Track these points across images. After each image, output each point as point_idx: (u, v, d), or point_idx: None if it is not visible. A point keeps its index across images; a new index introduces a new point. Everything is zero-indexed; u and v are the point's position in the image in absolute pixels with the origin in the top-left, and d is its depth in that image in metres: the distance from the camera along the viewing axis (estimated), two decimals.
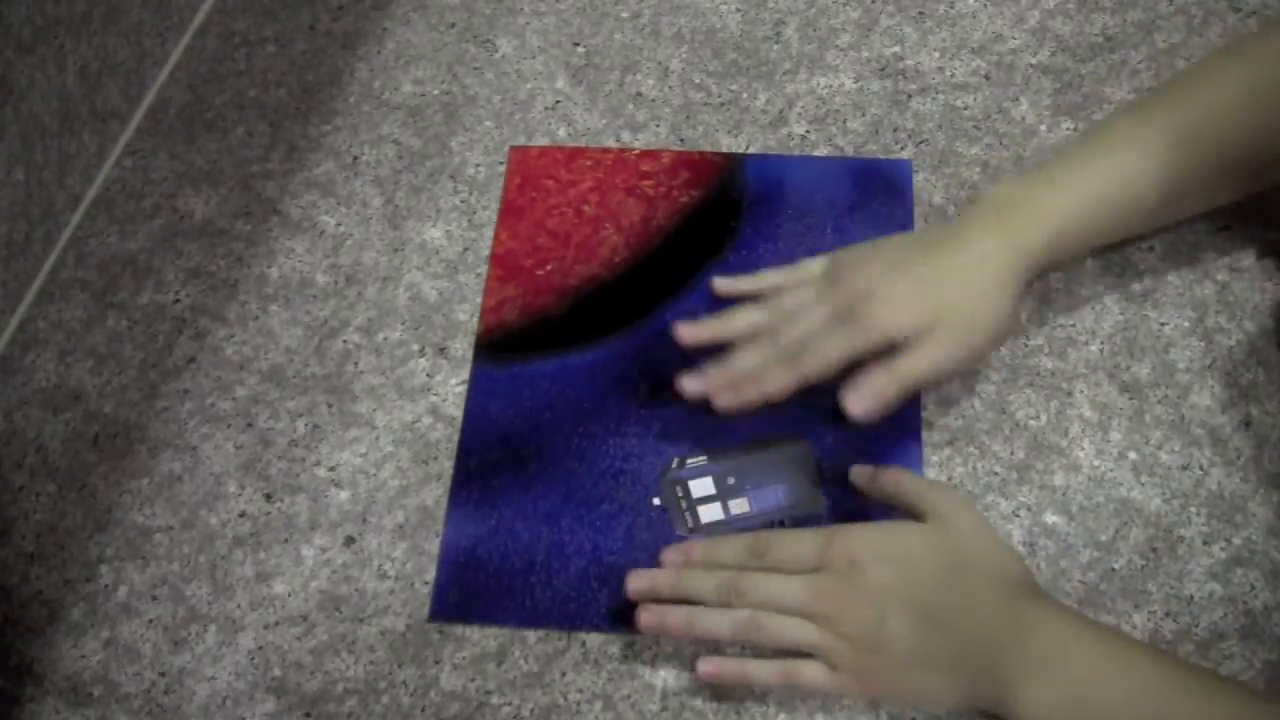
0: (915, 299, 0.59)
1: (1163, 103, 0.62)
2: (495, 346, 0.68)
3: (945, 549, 0.55)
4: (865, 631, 0.53)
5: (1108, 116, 0.64)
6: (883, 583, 0.53)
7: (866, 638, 0.53)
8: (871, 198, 0.72)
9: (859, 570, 0.54)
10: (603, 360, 0.67)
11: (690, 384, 0.61)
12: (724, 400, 0.60)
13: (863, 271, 0.61)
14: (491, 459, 0.64)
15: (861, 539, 0.55)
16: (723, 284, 0.66)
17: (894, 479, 0.59)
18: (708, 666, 0.55)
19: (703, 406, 0.65)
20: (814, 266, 0.64)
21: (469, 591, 0.60)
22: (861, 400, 0.58)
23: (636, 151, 0.75)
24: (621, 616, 0.59)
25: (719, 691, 0.57)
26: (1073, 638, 0.52)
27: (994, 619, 0.53)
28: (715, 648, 0.57)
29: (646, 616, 0.56)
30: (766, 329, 0.62)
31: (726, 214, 0.73)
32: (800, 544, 0.55)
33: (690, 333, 0.63)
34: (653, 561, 0.60)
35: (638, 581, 0.57)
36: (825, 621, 0.53)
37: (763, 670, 0.55)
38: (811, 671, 0.54)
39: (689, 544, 0.58)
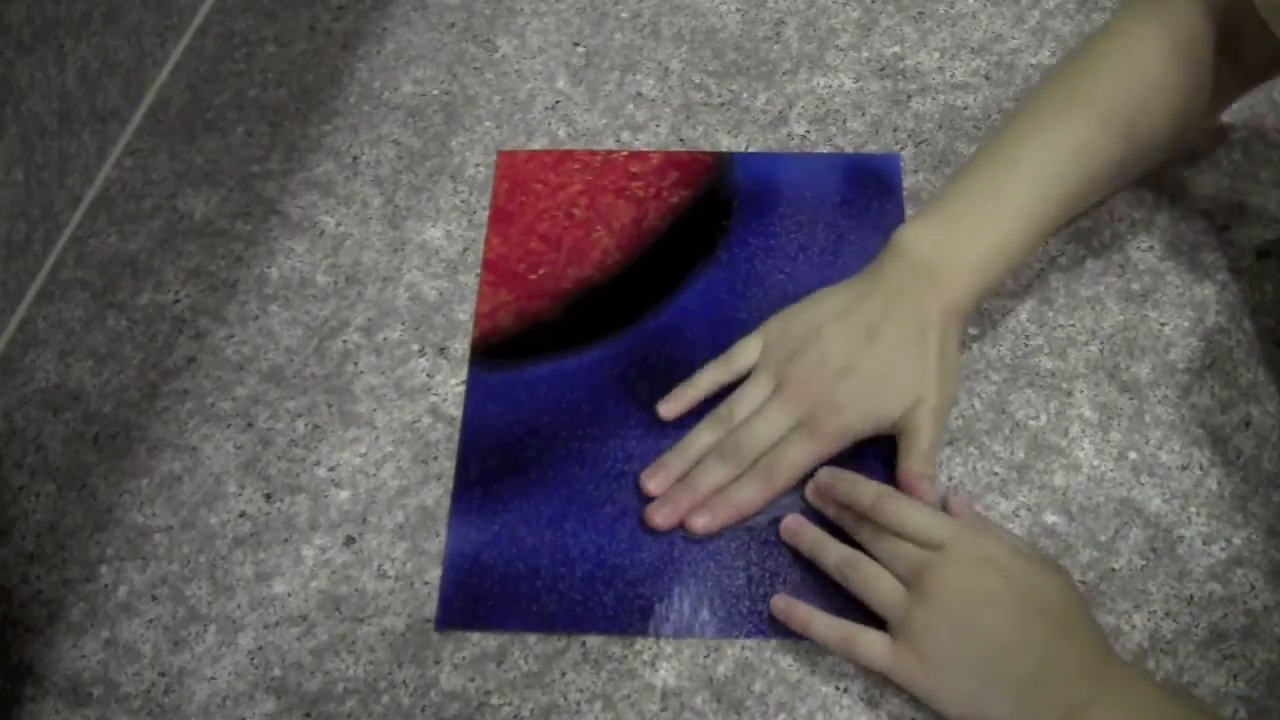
0: (881, 400, 0.60)
1: (1050, 115, 0.63)
2: (491, 352, 0.68)
3: (1060, 585, 0.54)
4: (956, 616, 0.53)
5: (996, 137, 0.64)
6: (996, 587, 0.53)
7: (954, 623, 0.53)
8: (861, 193, 0.73)
9: (980, 565, 0.54)
10: (599, 362, 0.67)
11: (659, 515, 0.61)
12: (700, 524, 0.60)
13: (811, 371, 0.61)
14: (492, 465, 0.64)
15: (993, 544, 0.55)
16: (666, 409, 0.64)
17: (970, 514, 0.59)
18: (780, 603, 0.57)
19: (702, 406, 0.65)
20: (750, 350, 0.64)
21: (475, 599, 0.60)
22: (930, 489, 0.59)
23: (625, 153, 0.75)
24: (628, 617, 0.59)
25: (721, 695, 0.57)
26: (1150, 691, 0.52)
27: (1079, 652, 0.52)
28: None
29: (790, 522, 0.60)
30: (726, 441, 0.61)
31: (717, 213, 0.73)
32: (935, 522, 0.56)
33: (657, 482, 0.62)
34: (656, 563, 0.60)
35: (824, 481, 0.60)
36: (918, 592, 0.54)
37: (825, 626, 0.56)
38: (872, 643, 0.54)
39: (840, 472, 0.60)
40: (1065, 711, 0.51)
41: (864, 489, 0.58)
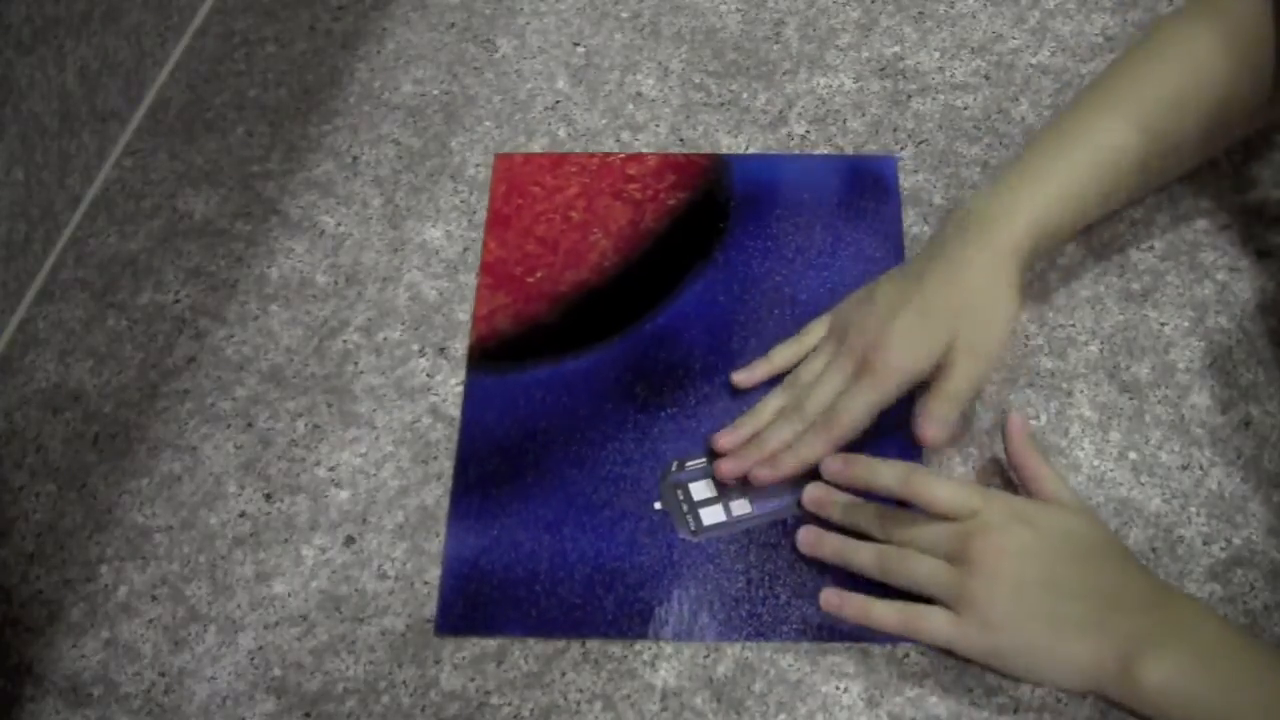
0: (923, 333, 0.60)
1: (1121, 85, 0.65)
2: (489, 356, 0.68)
3: (1096, 530, 0.57)
4: (1007, 576, 0.54)
5: (1072, 104, 0.66)
6: (1035, 537, 0.55)
7: (1006, 582, 0.54)
8: (858, 195, 0.73)
9: (1016, 523, 0.56)
10: (597, 366, 0.67)
11: (725, 465, 0.62)
12: (764, 474, 0.61)
13: (864, 322, 0.62)
14: (490, 469, 0.64)
15: (1021, 503, 0.58)
16: (741, 378, 0.66)
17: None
18: (832, 598, 0.58)
19: (701, 409, 0.65)
20: (818, 328, 0.66)
21: (474, 604, 0.60)
22: (934, 429, 0.59)
23: (621, 156, 0.75)
24: (628, 620, 0.59)
25: (721, 695, 0.57)
26: (1212, 619, 0.54)
27: (1137, 585, 0.55)
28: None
29: (807, 535, 0.60)
30: (790, 401, 0.63)
31: (714, 215, 0.73)
32: (963, 491, 0.57)
33: (728, 439, 0.63)
34: (656, 566, 0.60)
35: (815, 491, 0.61)
36: (968, 565, 0.55)
37: (884, 611, 0.56)
38: (934, 618, 0.55)
39: (852, 457, 0.60)
40: (1133, 645, 0.52)
41: (886, 470, 0.59)
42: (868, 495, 0.60)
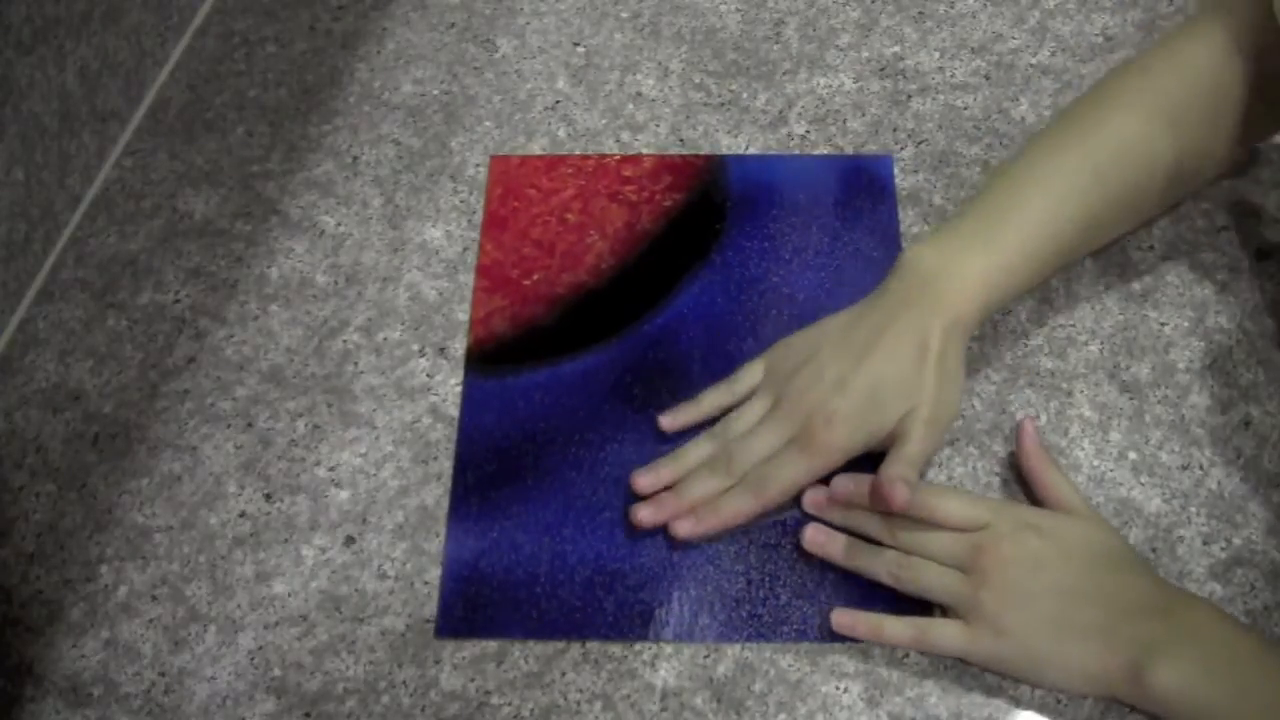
0: (873, 414, 0.59)
1: (1066, 141, 0.63)
2: (486, 358, 0.68)
3: (1106, 536, 0.57)
4: (1016, 584, 0.55)
5: (1013, 160, 0.64)
6: (1044, 550, 0.55)
7: (1016, 591, 0.54)
8: (854, 195, 0.73)
9: (1026, 532, 0.56)
10: (595, 367, 0.67)
11: (642, 512, 0.60)
12: (684, 530, 0.59)
13: (806, 387, 0.60)
14: (489, 471, 0.64)
15: (1030, 513, 0.58)
16: (667, 421, 0.64)
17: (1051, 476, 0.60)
18: (843, 618, 0.57)
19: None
20: (753, 373, 0.64)
21: (474, 607, 0.60)
22: (902, 493, 0.57)
23: (617, 157, 0.75)
24: (628, 622, 0.59)
25: (721, 695, 0.57)
26: (1221, 622, 0.54)
27: (1145, 592, 0.55)
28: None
29: (815, 535, 0.60)
30: (720, 452, 0.61)
31: (711, 216, 0.73)
32: (972, 505, 0.57)
33: (647, 480, 0.61)
34: (655, 567, 0.60)
35: (817, 494, 0.60)
36: (978, 572, 0.55)
37: (897, 627, 0.56)
38: (946, 630, 0.56)
39: (861, 478, 0.59)
40: (1144, 651, 0.52)
41: (901, 490, 0.58)
42: None
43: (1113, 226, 0.65)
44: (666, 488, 0.61)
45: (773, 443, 0.60)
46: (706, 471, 0.61)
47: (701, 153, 0.75)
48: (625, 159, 0.75)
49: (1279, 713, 0.51)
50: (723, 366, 0.66)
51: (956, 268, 0.60)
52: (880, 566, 0.58)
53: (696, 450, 0.62)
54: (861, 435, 0.59)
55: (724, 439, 0.62)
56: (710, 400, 0.64)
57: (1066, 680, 0.55)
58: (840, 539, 0.59)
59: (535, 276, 0.71)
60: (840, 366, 0.60)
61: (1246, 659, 0.52)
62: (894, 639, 0.57)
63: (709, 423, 0.64)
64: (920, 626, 0.56)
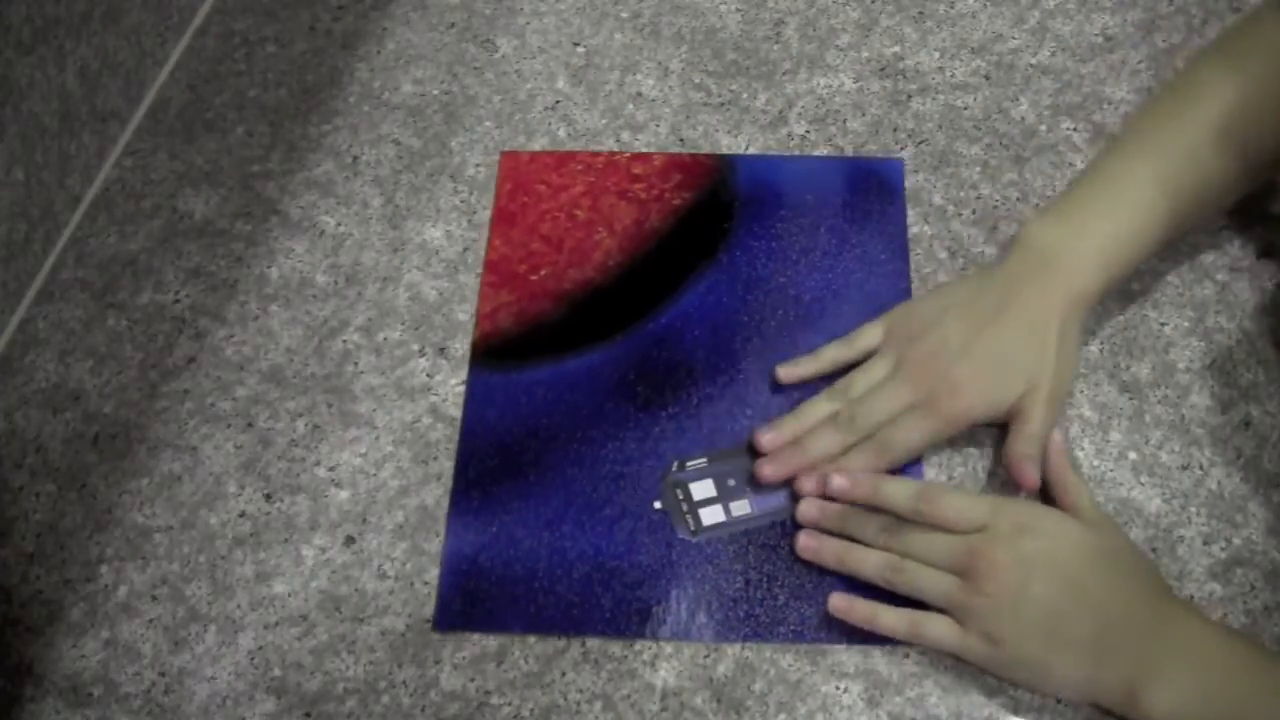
0: (994, 384, 0.60)
1: (1172, 110, 0.64)
2: (491, 353, 0.68)
3: (1103, 539, 0.57)
4: (1009, 591, 0.54)
5: (1120, 135, 0.65)
6: (1039, 551, 0.55)
7: (1009, 598, 0.54)
8: (863, 197, 0.73)
9: (1020, 536, 0.55)
10: (599, 364, 0.67)
11: (768, 468, 0.61)
12: (808, 486, 0.60)
13: (932, 351, 0.61)
14: (491, 466, 0.64)
15: (1028, 512, 0.57)
16: (785, 372, 0.65)
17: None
18: (840, 602, 0.57)
19: (702, 409, 0.65)
20: (872, 334, 0.65)
21: (472, 600, 0.60)
22: (1031, 473, 0.59)
23: (627, 155, 0.75)
24: (625, 619, 0.59)
25: (721, 695, 0.57)
26: (1215, 638, 0.53)
27: (1138, 607, 0.54)
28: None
29: (807, 541, 0.59)
30: (842, 412, 0.62)
31: (719, 215, 0.73)
32: (969, 504, 0.57)
33: (769, 437, 0.62)
34: (655, 565, 0.60)
35: (809, 509, 0.60)
36: (972, 578, 0.55)
37: (891, 617, 0.56)
38: (939, 626, 0.55)
39: (859, 476, 0.59)
40: (1134, 668, 0.52)
41: (895, 489, 0.58)
42: None
43: (1224, 193, 0.65)
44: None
45: (896, 405, 0.61)
46: (830, 427, 0.61)
47: (703, 152, 0.75)
48: (635, 156, 0.75)
49: None
50: (727, 366, 0.66)
51: (1075, 244, 0.62)
52: (874, 569, 0.57)
53: (817, 408, 0.63)
54: (985, 404, 0.60)
55: (845, 396, 0.62)
56: (830, 354, 0.65)
57: (1058, 689, 0.55)
58: (833, 544, 0.59)
59: (542, 272, 0.71)
60: (965, 335, 0.61)
61: (1243, 675, 0.52)
62: (888, 628, 0.56)
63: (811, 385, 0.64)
64: (915, 619, 0.56)
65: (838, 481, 0.59)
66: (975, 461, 0.63)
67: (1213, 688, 0.51)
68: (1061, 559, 0.55)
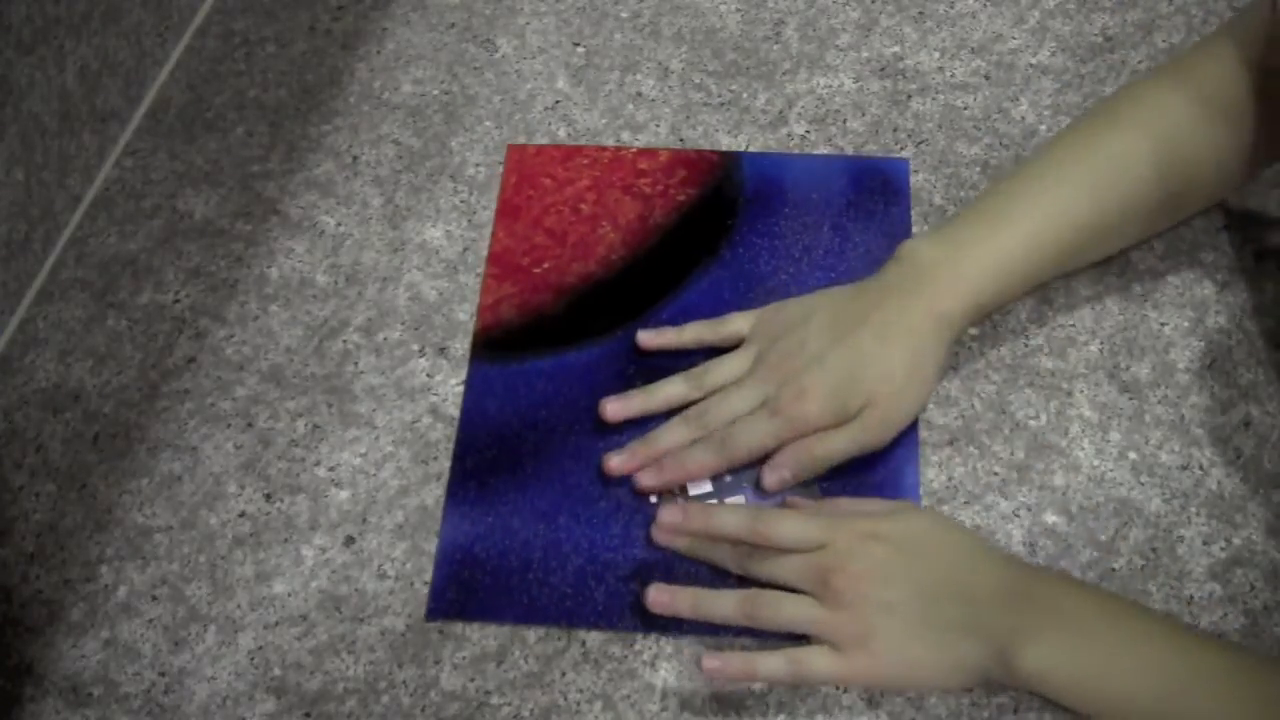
0: (842, 391, 0.60)
1: (1070, 154, 0.64)
2: (492, 345, 0.68)
3: (946, 531, 0.57)
4: (872, 599, 0.54)
5: (1017, 167, 0.65)
6: (888, 556, 0.55)
7: (874, 605, 0.54)
8: (868, 197, 0.73)
9: (864, 544, 0.55)
10: (599, 358, 0.67)
11: (614, 461, 0.62)
12: (647, 480, 0.61)
13: (791, 352, 0.61)
14: (488, 457, 0.64)
15: (867, 522, 0.56)
16: (646, 338, 0.66)
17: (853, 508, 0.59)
18: (712, 662, 0.55)
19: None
20: (739, 322, 0.65)
21: (466, 590, 0.60)
22: (779, 477, 0.60)
23: (633, 150, 0.75)
24: (618, 612, 0.59)
25: (721, 695, 0.57)
26: (1078, 592, 0.54)
27: (1003, 577, 0.54)
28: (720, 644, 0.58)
29: (657, 596, 0.57)
30: (693, 407, 0.62)
31: (723, 212, 0.73)
32: (806, 525, 0.56)
33: (616, 408, 0.63)
34: (648, 559, 0.60)
35: (658, 534, 0.60)
36: (829, 596, 0.54)
37: (769, 661, 0.55)
38: (819, 660, 0.54)
39: (690, 506, 0.59)
40: (1006, 636, 0.52)
41: (729, 518, 0.58)
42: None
43: (1111, 239, 0.66)
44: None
45: (747, 402, 0.61)
46: (679, 422, 0.62)
47: (708, 149, 0.75)
48: (641, 152, 0.75)
49: (1145, 676, 0.51)
50: None
51: (952, 262, 0.61)
52: (732, 610, 0.56)
53: (668, 387, 0.64)
54: (830, 411, 0.60)
55: (698, 384, 0.63)
56: (692, 331, 0.66)
57: (944, 679, 0.54)
58: (686, 595, 0.57)
59: (545, 265, 0.71)
60: (823, 341, 0.61)
61: (1109, 627, 0.52)
62: (769, 675, 0.55)
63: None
64: (794, 659, 0.54)
65: (668, 515, 0.58)
66: (975, 461, 0.63)
67: (1080, 642, 0.52)
68: (913, 554, 0.55)
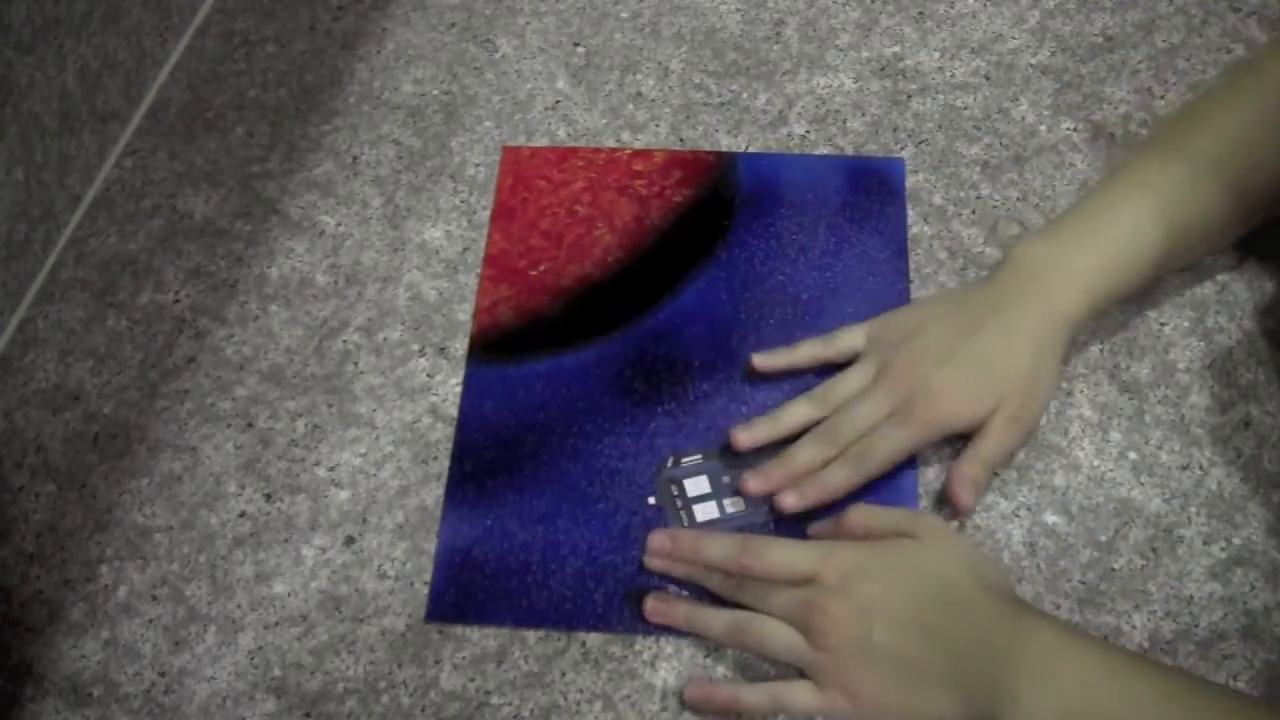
0: (972, 392, 0.60)
1: (1174, 146, 0.63)
2: (489, 347, 0.68)
3: (937, 564, 0.55)
4: (853, 644, 0.53)
5: (1122, 164, 0.65)
6: (873, 595, 0.54)
7: (854, 650, 0.53)
8: (864, 197, 0.73)
9: (850, 584, 0.54)
10: (596, 360, 0.67)
11: (755, 484, 0.61)
12: (789, 502, 0.60)
13: (913, 360, 0.61)
14: (487, 459, 0.64)
15: (855, 555, 0.56)
16: (761, 361, 0.65)
17: (862, 522, 0.58)
18: (696, 691, 0.56)
19: (698, 406, 0.65)
20: (852, 337, 0.64)
21: (465, 592, 0.60)
22: (968, 494, 0.59)
23: (629, 151, 0.75)
24: (617, 614, 0.59)
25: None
26: (1068, 646, 0.52)
27: (987, 629, 0.52)
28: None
29: (655, 605, 0.58)
30: (823, 424, 0.62)
31: (719, 213, 0.73)
32: (793, 556, 0.56)
33: (745, 438, 0.62)
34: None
35: (654, 561, 0.59)
36: (814, 635, 0.54)
37: (753, 695, 0.55)
38: (800, 694, 0.54)
39: (679, 533, 0.59)
40: (992, 696, 0.51)
41: (718, 547, 0.57)
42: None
43: (1221, 232, 0.65)
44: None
45: (875, 414, 0.60)
46: (811, 440, 0.61)
47: (704, 149, 0.75)
48: (637, 153, 0.75)
49: None
50: (724, 363, 0.66)
51: (1063, 264, 0.61)
52: (721, 630, 0.56)
53: (794, 411, 0.63)
54: (961, 413, 0.60)
55: (824, 403, 0.62)
56: (806, 350, 0.65)
57: None
58: (682, 606, 0.58)
59: (542, 267, 0.71)
60: (947, 344, 0.61)
61: (1100, 683, 0.50)
62: (751, 706, 0.55)
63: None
64: (776, 693, 0.54)
65: (657, 543, 0.59)
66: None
67: (1072, 702, 0.50)
68: (898, 599, 0.54)
